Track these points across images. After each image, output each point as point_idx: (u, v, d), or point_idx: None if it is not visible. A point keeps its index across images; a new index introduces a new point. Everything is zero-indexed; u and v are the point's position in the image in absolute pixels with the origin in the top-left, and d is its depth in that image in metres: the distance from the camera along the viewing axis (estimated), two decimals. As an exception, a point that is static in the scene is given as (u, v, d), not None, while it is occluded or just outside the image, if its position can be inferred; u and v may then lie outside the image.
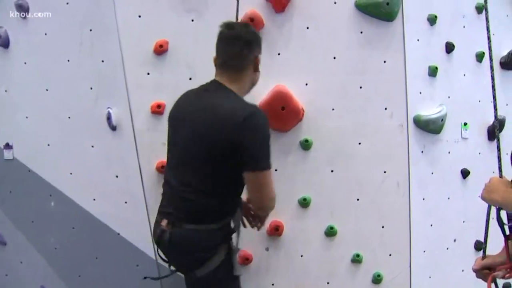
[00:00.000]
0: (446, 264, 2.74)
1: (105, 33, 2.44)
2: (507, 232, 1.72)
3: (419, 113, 2.59)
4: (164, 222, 1.95)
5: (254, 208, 2.09)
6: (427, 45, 2.62)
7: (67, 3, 2.52)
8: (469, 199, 2.74)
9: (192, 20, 2.41)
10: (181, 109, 2.05)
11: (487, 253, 1.86)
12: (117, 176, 2.51)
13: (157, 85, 2.41)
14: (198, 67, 2.38)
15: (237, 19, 2.27)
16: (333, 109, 2.47)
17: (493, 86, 1.91)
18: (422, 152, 2.63)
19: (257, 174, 1.90)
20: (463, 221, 2.80)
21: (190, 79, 2.38)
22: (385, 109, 2.51)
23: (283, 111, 2.38)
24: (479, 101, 2.81)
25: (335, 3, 2.44)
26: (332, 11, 2.44)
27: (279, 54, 2.43)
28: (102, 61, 2.48)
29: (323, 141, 2.46)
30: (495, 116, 1.95)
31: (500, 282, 1.85)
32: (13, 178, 2.72)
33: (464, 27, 2.76)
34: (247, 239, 2.28)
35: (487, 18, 1.93)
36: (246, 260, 2.47)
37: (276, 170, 2.38)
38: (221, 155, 1.89)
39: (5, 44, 2.69)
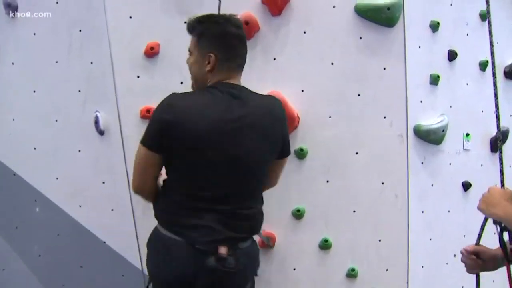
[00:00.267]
0: (446, 280, 2.67)
1: (95, 34, 2.38)
2: (510, 257, 1.62)
3: (420, 123, 2.54)
4: (223, 250, 1.75)
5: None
6: (428, 52, 2.57)
7: (57, 3, 2.46)
8: (470, 213, 2.64)
9: (185, 22, 2.32)
10: (214, 126, 1.75)
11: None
12: (104, 182, 2.44)
13: (147, 89, 2.33)
14: (190, 71, 2.30)
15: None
16: (329, 117, 2.41)
17: (495, 95, 1.84)
18: (422, 163, 2.57)
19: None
20: (464, 235, 2.71)
21: (182, 83, 2.29)
22: (384, 117, 2.45)
23: (278, 118, 2.30)
24: (482, 111, 2.77)
25: (333, 7, 2.39)
26: (330, 15, 2.39)
27: (274, 59, 2.37)
28: (91, 63, 2.41)
29: (318, 150, 2.40)
30: (498, 127, 1.89)
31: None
32: (-2, 182, 2.66)
33: (467, 34, 2.72)
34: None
35: (489, 23, 1.86)
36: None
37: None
38: (277, 152, 1.93)
39: (-7, 43, 2.64)
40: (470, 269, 1.76)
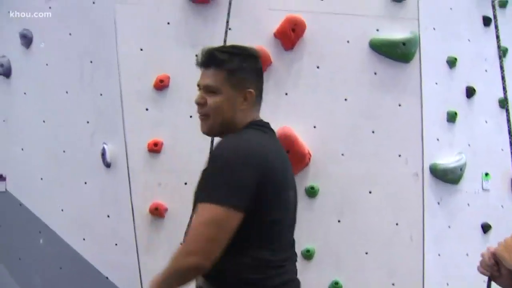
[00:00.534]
0: (464, 328, 2.54)
1: (105, 65, 2.37)
2: None
3: (436, 161, 2.47)
4: None
5: None
6: (446, 88, 2.53)
7: (70, 34, 2.47)
8: (490, 256, 2.55)
9: (196, 55, 2.30)
10: (282, 169, 1.58)
11: None
12: (108, 216, 2.39)
13: (155, 122, 2.32)
14: (199, 104, 2.27)
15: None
16: (342, 155, 2.36)
17: (509, 132, 1.75)
18: (438, 203, 2.50)
19: None
20: (484, 281, 2.58)
21: (191, 117, 2.25)
22: (399, 156, 2.39)
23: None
24: (502, 149, 2.67)
25: (348, 42, 2.37)
26: (344, 50, 2.37)
27: (286, 94, 2.34)
28: (101, 94, 2.40)
29: (330, 188, 2.35)
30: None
31: None
32: (4, 211, 2.65)
33: (486, 70, 2.67)
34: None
35: (500, 57, 1.79)
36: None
37: (278, 217, 2.24)
38: None
39: (7, 73, 2.68)
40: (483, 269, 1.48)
